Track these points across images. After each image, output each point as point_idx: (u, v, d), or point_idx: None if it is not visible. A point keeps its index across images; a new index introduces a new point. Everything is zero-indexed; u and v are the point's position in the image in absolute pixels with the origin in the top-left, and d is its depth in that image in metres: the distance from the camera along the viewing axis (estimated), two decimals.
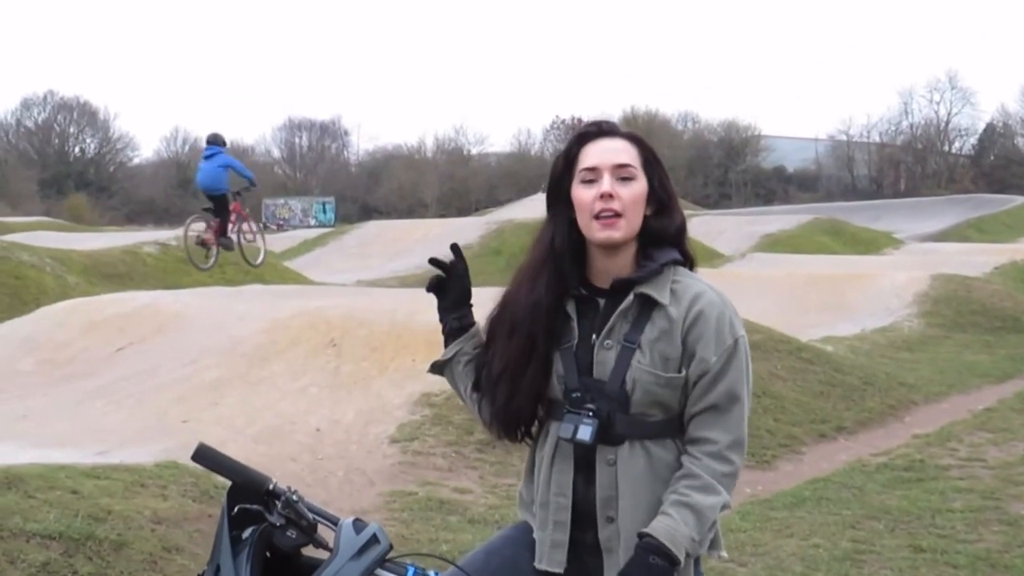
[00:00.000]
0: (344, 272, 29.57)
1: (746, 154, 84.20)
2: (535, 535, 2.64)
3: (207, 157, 15.69)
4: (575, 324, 2.58)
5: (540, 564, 2.61)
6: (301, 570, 2.32)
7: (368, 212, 75.14)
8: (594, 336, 2.55)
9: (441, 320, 2.76)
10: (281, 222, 69.84)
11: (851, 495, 7.76)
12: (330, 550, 2.28)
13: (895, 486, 8.04)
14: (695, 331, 2.50)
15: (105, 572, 5.19)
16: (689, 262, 2.64)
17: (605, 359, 2.52)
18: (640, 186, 2.55)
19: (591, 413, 2.49)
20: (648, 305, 2.53)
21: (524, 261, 2.67)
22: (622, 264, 2.57)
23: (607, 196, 2.50)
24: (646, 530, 2.39)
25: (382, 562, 2.28)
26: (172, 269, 21.46)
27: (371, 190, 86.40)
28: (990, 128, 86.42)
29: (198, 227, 16.14)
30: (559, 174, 2.62)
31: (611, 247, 2.55)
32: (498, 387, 2.62)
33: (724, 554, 2.67)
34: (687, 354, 2.50)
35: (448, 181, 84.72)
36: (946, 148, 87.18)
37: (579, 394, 2.52)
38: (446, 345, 2.75)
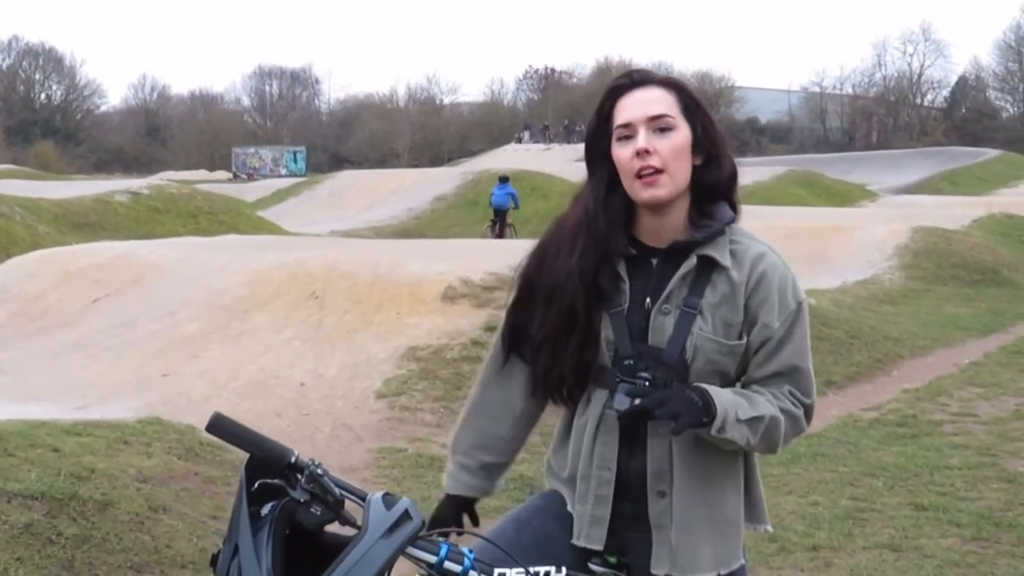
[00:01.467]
0: (319, 222, 29.23)
1: (719, 105, 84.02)
2: (573, 509, 2.47)
3: (500, 187, 26.31)
4: (626, 286, 2.38)
5: (579, 541, 2.44)
6: (325, 549, 2.14)
7: (339, 162, 74.69)
8: (648, 300, 2.35)
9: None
10: (251, 171, 69.28)
11: (846, 451, 7.67)
12: (357, 527, 2.10)
13: (890, 442, 7.95)
14: (758, 295, 2.33)
15: (90, 533, 5.00)
16: (737, 213, 2.44)
17: (663, 325, 2.33)
18: (680, 136, 2.33)
19: (647, 383, 2.30)
20: (708, 267, 2.34)
21: (564, 214, 2.47)
22: (674, 221, 2.37)
23: (643, 152, 2.30)
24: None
25: (414, 539, 2.10)
26: (144, 218, 21.17)
27: (342, 139, 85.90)
28: (962, 81, 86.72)
29: (486, 230, 26.18)
30: (594, 132, 2.41)
31: (658, 206, 2.36)
32: (539, 355, 2.43)
33: (769, 528, 2.53)
34: (749, 319, 2.33)
35: (420, 131, 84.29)
36: (918, 101, 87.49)
37: (632, 362, 2.33)
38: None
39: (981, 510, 6.21)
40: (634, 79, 2.38)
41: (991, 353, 12.11)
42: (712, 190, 2.39)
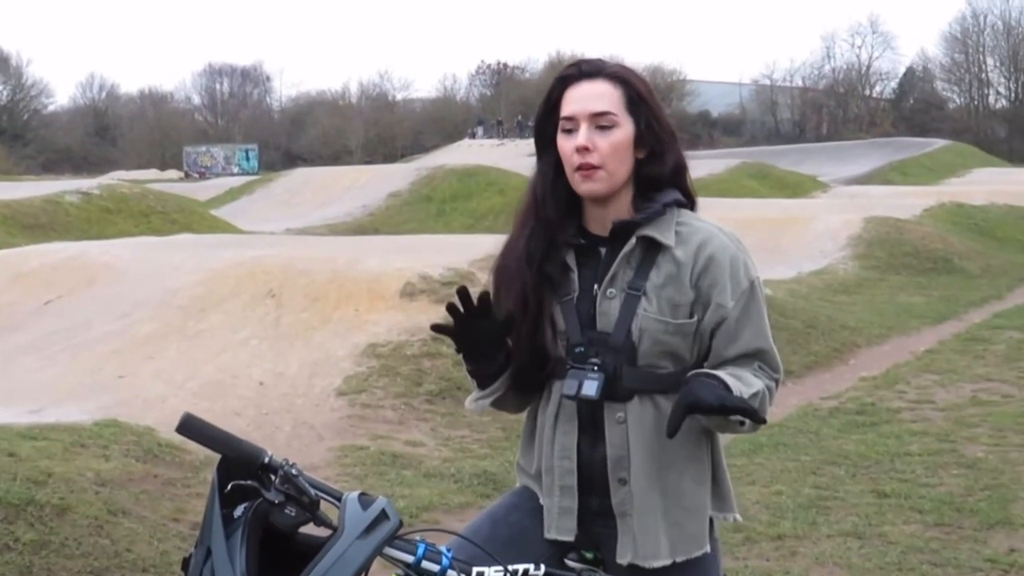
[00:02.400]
0: (272, 221, 28.97)
1: (671, 99, 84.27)
2: (542, 502, 2.47)
3: None
4: (575, 275, 2.40)
5: (549, 533, 2.43)
6: (300, 550, 2.09)
7: (292, 159, 74.20)
8: (596, 286, 2.37)
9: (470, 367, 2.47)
10: (203, 170, 68.74)
11: (807, 440, 7.71)
12: (333, 528, 2.05)
13: (850, 430, 8.00)
14: (708, 276, 2.33)
15: (48, 539, 4.92)
16: (691, 202, 2.46)
17: (608, 309, 2.35)
18: (622, 133, 2.34)
19: (596, 367, 2.31)
20: (652, 249, 2.35)
21: (521, 203, 2.50)
22: (617, 210, 2.39)
23: (583, 149, 2.32)
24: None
25: (391, 540, 2.07)
26: (95, 219, 20.89)
27: (295, 137, 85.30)
28: (910, 72, 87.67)
29: None
30: (541, 119, 2.43)
31: (598, 198, 2.38)
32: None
33: (738, 516, 2.51)
34: (701, 301, 2.33)
35: (373, 127, 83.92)
36: (867, 92, 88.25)
37: (583, 348, 2.35)
38: (483, 386, 2.47)
39: (942, 496, 6.26)
40: (582, 70, 2.39)
41: (945, 340, 12.25)
42: (654, 182, 2.41)
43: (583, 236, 2.41)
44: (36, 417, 7.18)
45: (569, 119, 2.35)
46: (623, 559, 2.36)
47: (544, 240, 2.39)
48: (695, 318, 2.33)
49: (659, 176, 2.40)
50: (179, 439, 6.65)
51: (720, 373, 2.25)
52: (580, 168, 2.33)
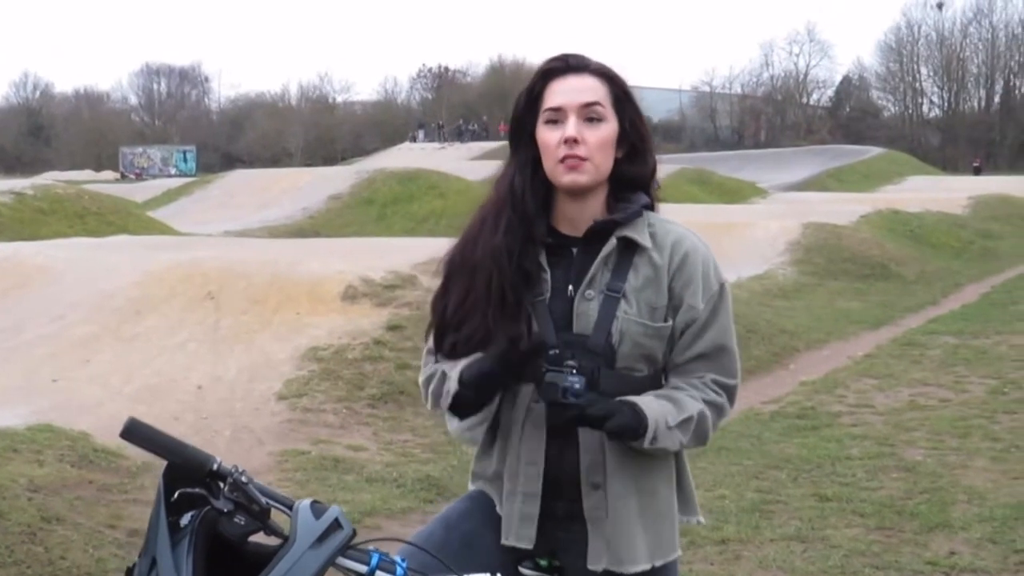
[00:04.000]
0: (210, 223, 28.55)
1: None
2: (501, 509, 2.41)
3: None
4: (547, 275, 2.34)
5: (508, 540, 2.38)
6: (249, 560, 2.03)
7: (231, 161, 73.61)
8: (570, 287, 2.32)
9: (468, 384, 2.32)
10: (139, 171, 67.99)
11: (750, 444, 7.74)
12: (284, 537, 2.00)
13: (792, 435, 8.05)
14: (681, 277, 2.32)
15: None
16: (655, 205, 2.43)
17: (587, 311, 2.30)
18: (609, 128, 2.31)
19: (575, 370, 2.25)
20: (629, 250, 2.33)
21: (485, 199, 2.42)
22: (592, 210, 2.35)
23: (572, 141, 2.27)
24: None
25: (344, 549, 2.01)
26: (29, 220, 20.46)
27: (233, 139, 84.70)
28: (846, 81, 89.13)
29: None
30: (521, 112, 2.37)
31: (578, 192, 2.33)
32: (463, 346, 2.35)
33: (701, 519, 2.50)
34: (673, 302, 2.32)
35: (313, 130, 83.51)
36: (804, 100, 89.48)
37: (558, 351, 2.28)
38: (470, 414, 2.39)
39: (883, 499, 6.32)
40: (569, 63, 2.35)
41: (883, 345, 12.39)
42: (632, 183, 2.38)
43: (551, 235, 2.37)
44: None
45: (556, 110, 2.30)
46: (596, 565, 2.34)
47: (521, 235, 2.33)
48: (670, 321, 2.32)
49: (639, 176, 2.38)
50: (115, 444, 6.52)
51: (641, 399, 2.24)
52: (565, 159, 2.28)
